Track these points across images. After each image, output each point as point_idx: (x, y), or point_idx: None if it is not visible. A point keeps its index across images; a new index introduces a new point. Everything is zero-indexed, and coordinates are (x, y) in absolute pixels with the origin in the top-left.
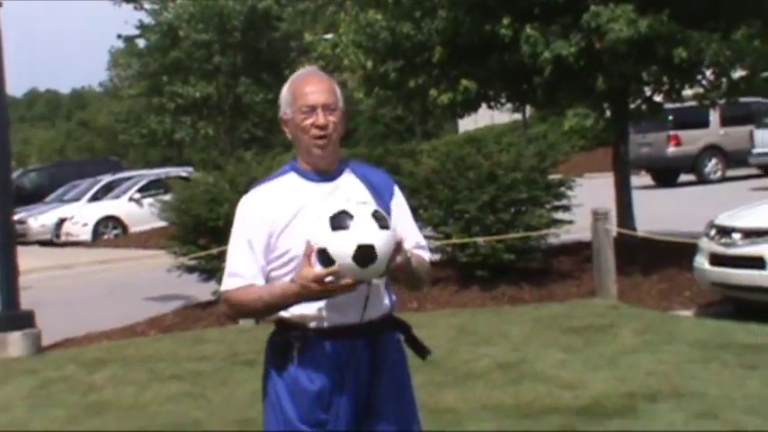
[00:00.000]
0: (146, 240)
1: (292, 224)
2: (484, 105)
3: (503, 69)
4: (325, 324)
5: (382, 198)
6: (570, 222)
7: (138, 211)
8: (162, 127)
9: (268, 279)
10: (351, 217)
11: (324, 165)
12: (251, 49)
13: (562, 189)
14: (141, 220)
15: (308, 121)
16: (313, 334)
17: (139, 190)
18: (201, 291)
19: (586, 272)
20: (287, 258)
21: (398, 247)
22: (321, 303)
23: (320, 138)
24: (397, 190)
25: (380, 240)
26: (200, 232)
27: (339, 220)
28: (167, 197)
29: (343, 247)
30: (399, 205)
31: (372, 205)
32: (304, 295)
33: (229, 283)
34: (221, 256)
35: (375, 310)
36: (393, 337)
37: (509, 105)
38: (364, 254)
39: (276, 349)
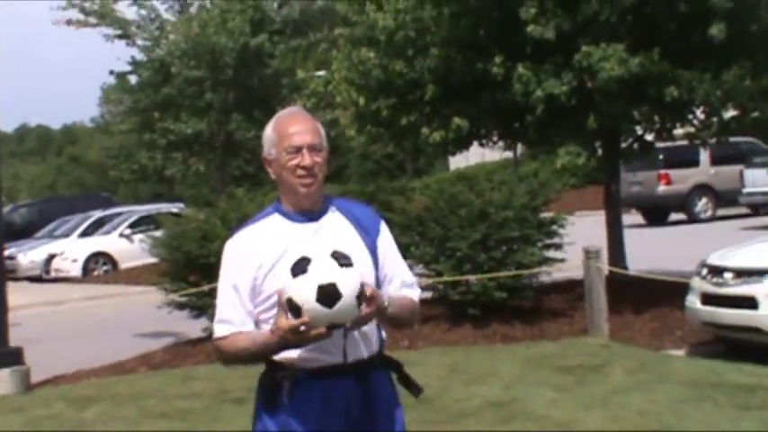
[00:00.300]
0: (136, 277)
1: (277, 266)
2: (475, 143)
3: (495, 107)
4: (313, 364)
5: (368, 234)
6: (562, 261)
7: (129, 247)
8: (153, 163)
9: (258, 322)
10: (308, 261)
11: (308, 204)
12: (243, 85)
13: (554, 227)
14: (132, 257)
15: (294, 162)
16: (303, 374)
17: (130, 226)
18: (192, 327)
19: (578, 310)
20: (273, 301)
21: (367, 297)
22: (310, 345)
23: (306, 177)
24: (383, 226)
25: (342, 278)
26: (191, 269)
27: (298, 267)
28: (158, 233)
29: (304, 291)
30: (386, 241)
31: (333, 246)
32: (284, 345)
33: (219, 330)
34: (212, 293)
35: (364, 348)
36: (384, 376)
37: (501, 143)
38: (327, 293)
39: (266, 390)
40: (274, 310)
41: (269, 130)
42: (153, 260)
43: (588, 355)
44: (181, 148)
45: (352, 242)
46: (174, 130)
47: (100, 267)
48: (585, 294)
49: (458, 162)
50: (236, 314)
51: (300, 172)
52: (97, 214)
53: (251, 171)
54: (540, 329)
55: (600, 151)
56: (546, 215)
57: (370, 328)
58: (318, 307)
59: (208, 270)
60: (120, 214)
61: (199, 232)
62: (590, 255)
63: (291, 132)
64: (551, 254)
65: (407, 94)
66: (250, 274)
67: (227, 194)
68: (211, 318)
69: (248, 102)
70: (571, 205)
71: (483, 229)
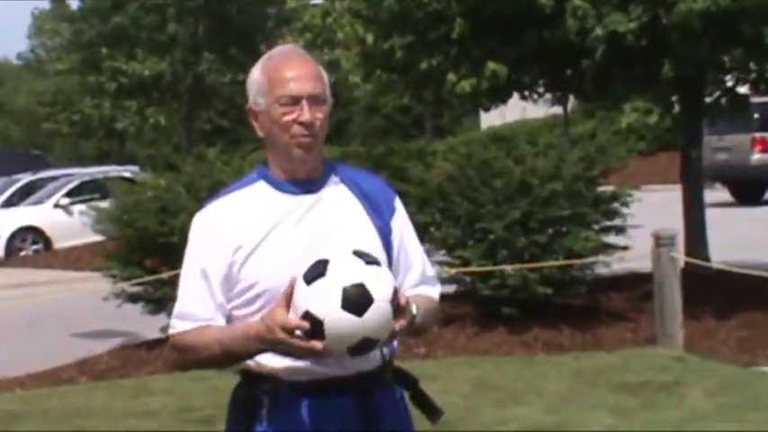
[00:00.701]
0: (76, 259)
1: (260, 249)
2: (515, 95)
3: (541, 49)
4: (302, 377)
5: (379, 214)
6: (625, 248)
7: (67, 221)
8: (99, 113)
9: (230, 319)
10: (326, 262)
11: (304, 171)
12: (216, 15)
13: (615, 205)
14: (70, 233)
15: (290, 117)
16: (286, 389)
17: (68, 194)
18: (147, 326)
19: (645, 313)
20: (253, 294)
21: (401, 306)
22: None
23: (304, 137)
24: (398, 204)
25: (372, 278)
26: (148, 251)
27: (314, 270)
28: (104, 204)
29: (325, 298)
30: (402, 224)
31: (354, 246)
32: (268, 341)
33: (178, 325)
34: (174, 282)
35: (367, 358)
36: (393, 394)
37: (548, 96)
38: (354, 297)
39: (240, 407)
40: (251, 307)
41: (257, 74)
42: (98, 238)
43: (657, 370)
44: (135, 95)
45: (358, 223)
46: (127, 71)
47: (28, 246)
48: (655, 292)
49: (492, 119)
50: (203, 307)
51: (297, 129)
52: (26, 178)
53: (226, 125)
54: (595, 336)
55: (677, 108)
56: (605, 189)
57: None
58: (346, 316)
59: (169, 252)
60: (55, 178)
61: (158, 203)
62: (661, 241)
63: (287, 78)
64: (611, 239)
65: (429, 30)
66: (224, 259)
67: (195, 155)
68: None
69: (223, 36)
70: (638, 177)
71: (523, 206)
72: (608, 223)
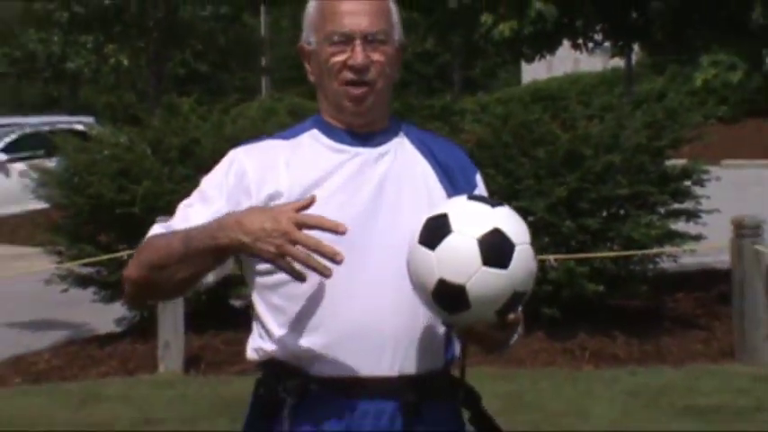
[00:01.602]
0: (13, 232)
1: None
2: (566, 43)
3: None
4: (335, 373)
5: (455, 187)
6: (697, 238)
7: (2, 183)
8: (46, 49)
9: (260, 287)
10: (444, 216)
11: (361, 125)
12: None
13: (686, 184)
14: (6, 198)
15: (339, 59)
16: (315, 386)
17: (5, 149)
18: (99, 316)
19: (720, 319)
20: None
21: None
22: (332, 334)
23: (355, 85)
24: (479, 180)
25: (504, 219)
26: (102, 223)
27: (436, 227)
28: (50, 163)
29: (461, 256)
30: None
31: (424, 211)
32: (251, 233)
33: (156, 228)
34: None
35: (419, 359)
36: (446, 408)
37: (606, 45)
38: (495, 245)
39: (260, 408)
40: (280, 275)
41: (311, 5)
42: (41, 206)
43: (735, 391)
44: (92, 28)
45: (427, 187)
46: None
47: None
48: (733, 294)
49: (536, 72)
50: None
51: (347, 75)
52: None
53: (203, 70)
54: (657, 347)
55: None
56: (675, 163)
57: (435, 330)
58: (490, 272)
59: (128, 226)
60: None
61: (116, 164)
62: (743, 231)
63: (341, 11)
64: (680, 226)
65: None
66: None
67: (165, 106)
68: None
69: None
70: (717, 150)
71: (572, 182)
72: (677, 206)
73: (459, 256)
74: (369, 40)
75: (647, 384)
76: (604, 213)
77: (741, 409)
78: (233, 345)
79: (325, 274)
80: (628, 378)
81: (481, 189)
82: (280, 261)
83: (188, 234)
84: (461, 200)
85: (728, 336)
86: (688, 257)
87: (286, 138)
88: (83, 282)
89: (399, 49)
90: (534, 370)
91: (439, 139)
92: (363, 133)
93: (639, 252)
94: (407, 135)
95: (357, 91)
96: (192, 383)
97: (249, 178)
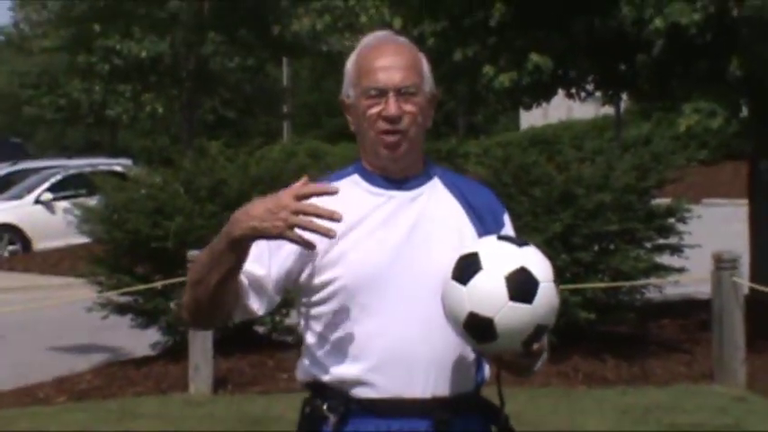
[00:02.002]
0: (57, 263)
1: (343, 242)
2: (560, 92)
3: (592, 41)
4: (374, 394)
5: (485, 227)
6: (680, 271)
7: (48, 220)
8: (89, 98)
9: (307, 319)
10: (476, 254)
11: (397, 170)
12: None
13: (671, 221)
14: (52, 233)
15: (374, 110)
16: (356, 406)
17: (51, 188)
18: (136, 341)
19: (701, 344)
20: (330, 290)
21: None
22: (371, 360)
23: (389, 134)
24: (507, 220)
25: (530, 258)
26: (139, 256)
27: (467, 265)
28: (92, 201)
29: (489, 292)
30: None
31: (455, 251)
32: (256, 216)
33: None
34: (167, 293)
35: (452, 382)
36: (477, 427)
37: (597, 94)
38: (521, 282)
39: (306, 425)
40: (331, 304)
41: (350, 63)
42: (83, 240)
43: (714, 410)
44: (130, 79)
45: (458, 227)
46: (122, 51)
47: (4, 247)
48: (714, 321)
49: (533, 118)
50: (256, 266)
51: (382, 125)
52: (3, 169)
53: (231, 116)
54: (643, 369)
55: (745, 110)
56: (660, 202)
57: (465, 357)
58: (516, 307)
59: (163, 259)
60: (36, 171)
61: (152, 203)
62: (722, 264)
63: (376, 68)
64: (665, 260)
65: (464, 15)
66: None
67: (196, 149)
68: (164, 327)
69: (231, 16)
70: (698, 190)
71: (566, 219)
72: (662, 241)
73: (488, 292)
74: (401, 92)
75: (635, 403)
76: (596, 247)
77: (720, 426)
78: (257, 367)
79: (329, 235)
80: (617, 398)
81: (508, 227)
82: (288, 234)
83: (211, 244)
84: (491, 240)
85: (708, 359)
86: (672, 288)
87: (330, 181)
88: (121, 309)
89: (431, 99)
90: (532, 390)
91: (470, 182)
92: (399, 178)
93: (628, 283)
94: (440, 178)
95: (391, 139)
96: (220, 402)
97: None
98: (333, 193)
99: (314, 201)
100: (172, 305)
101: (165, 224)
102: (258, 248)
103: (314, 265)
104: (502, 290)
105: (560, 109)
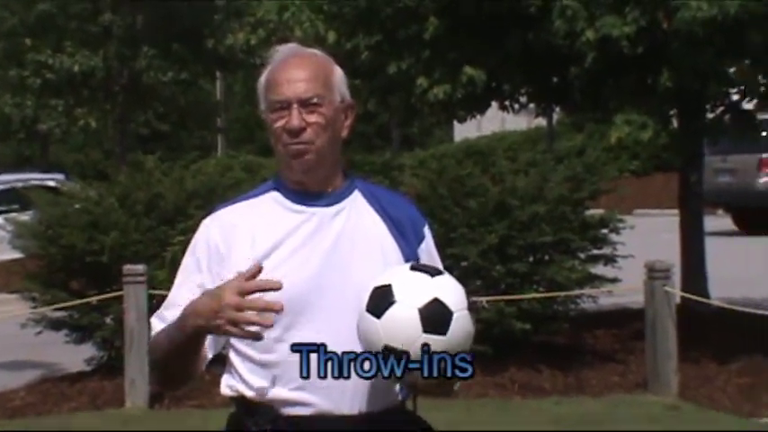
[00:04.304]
0: None
1: (267, 264)
2: (494, 104)
3: (525, 54)
4: (303, 410)
5: (406, 239)
6: (614, 281)
7: None
8: (20, 112)
9: (225, 345)
10: (389, 286)
11: (314, 183)
12: (157, 5)
13: (603, 231)
14: None
15: (280, 124)
16: (284, 423)
17: None
18: (71, 357)
19: (634, 353)
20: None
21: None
22: (292, 382)
23: (293, 145)
24: (427, 231)
25: (443, 288)
26: (73, 271)
27: (380, 297)
28: (24, 216)
29: (403, 324)
30: (430, 253)
31: (376, 267)
32: (202, 315)
33: (155, 324)
34: (103, 308)
35: (376, 396)
36: None
37: (530, 106)
38: (435, 315)
39: None
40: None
41: (262, 78)
42: (16, 255)
43: (648, 419)
44: (63, 93)
45: (380, 242)
46: (54, 65)
47: None
48: (647, 331)
49: (467, 131)
50: (191, 295)
51: (286, 138)
52: None
53: (166, 130)
54: (578, 379)
55: (675, 123)
56: (593, 213)
57: None
58: (431, 339)
59: (98, 273)
60: None
61: (86, 217)
62: (655, 273)
63: (280, 81)
64: (598, 270)
65: (398, 28)
66: (225, 271)
67: (130, 164)
68: (100, 343)
69: (165, 29)
70: (630, 201)
71: (501, 230)
72: (596, 252)
73: (402, 325)
74: (305, 104)
75: (570, 413)
76: (531, 258)
77: None
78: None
79: (267, 326)
80: (552, 408)
81: (429, 240)
82: (233, 331)
83: (169, 334)
84: (404, 270)
85: (642, 369)
86: (606, 298)
87: (250, 198)
88: (55, 325)
89: (344, 109)
90: (469, 401)
91: (390, 194)
92: (317, 192)
93: (562, 294)
94: (361, 191)
95: (296, 148)
96: (157, 417)
97: (219, 248)
98: (277, 289)
99: (231, 222)
100: (107, 320)
101: (100, 238)
102: (195, 284)
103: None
104: (416, 322)
105: (494, 121)
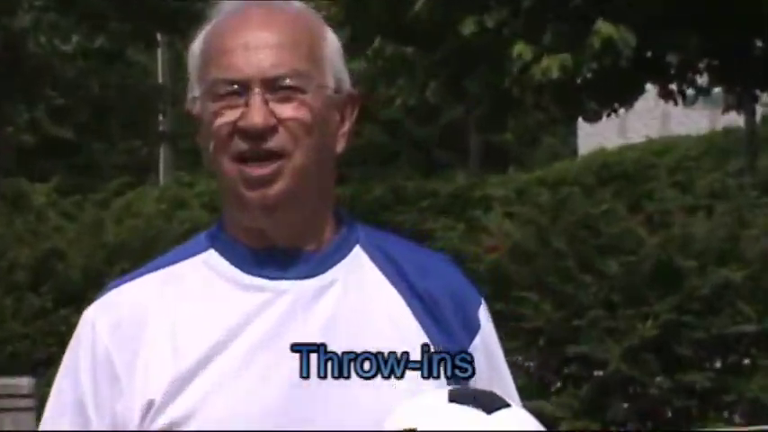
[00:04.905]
0: None
1: (196, 383)
2: (651, 89)
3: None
4: None
5: (445, 330)
6: None
7: None
8: None
9: None
10: None
11: (281, 235)
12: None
13: None
14: None
15: (225, 120)
16: None
17: None
18: None
19: None
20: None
21: None
22: None
23: (252, 162)
24: (483, 315)
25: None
26: None
27: None
28: None
29: None
30: (490, 352)
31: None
32: None
33: None
34: None
35: None
36: None
37: (715, 91)
38: None
39: None
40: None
41: (195, 46)
42: None
43: None
44: None
45: (402, 341)
46: None
47: None
48: None
49: (601, 137)
50: None
51: (239, 144)
52: None
53: (68, 138)
54: None
55: None
56: None
57: None
58: None
59: None
60: None
61: None
62: None
63: (230, 48)
64: None
65: None
66: (120, 389)
67: (8, 196)
68: None
69: None
70: None
71: (664, 313)
72: None
73: None
74: (275, 87)
75: None
76: (718, 364)
77: None
78: None
79: None
80: None
81: (487, 331)
82: None
83: None
84: (439, 402)
85: None
86: None
87: (169, 266)
88: None
89: (342, 102)
90: None
91: (417, 253)
92: (289, 251)
93: None
94: (366, 248)
95: (258, 171)
96: None
97: (113, 361)
98: None
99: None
100: None
101: None
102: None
103: (160, 406)
104: None
105: (649, 119)
